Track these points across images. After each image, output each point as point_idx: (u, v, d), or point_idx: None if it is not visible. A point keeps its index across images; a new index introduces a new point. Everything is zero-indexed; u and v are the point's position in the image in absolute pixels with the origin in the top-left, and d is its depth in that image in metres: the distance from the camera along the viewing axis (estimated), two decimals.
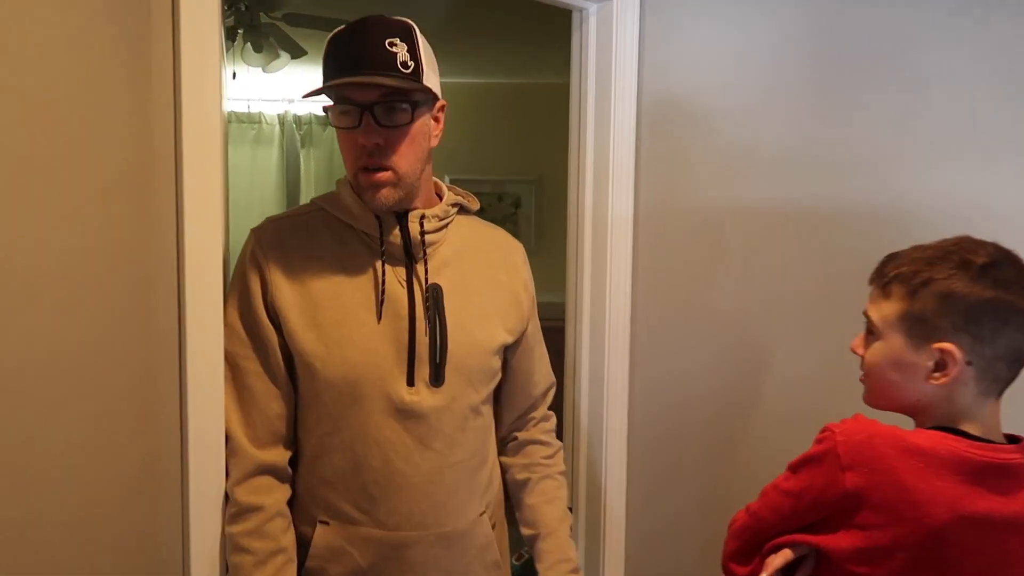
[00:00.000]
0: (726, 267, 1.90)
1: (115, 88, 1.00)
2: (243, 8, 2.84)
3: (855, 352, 1.16)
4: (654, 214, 1.86)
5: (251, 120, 4.98)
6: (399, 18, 1.20)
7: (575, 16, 1.86)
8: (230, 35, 2.99)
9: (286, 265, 1.23)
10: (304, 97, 1.20)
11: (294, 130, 5.06)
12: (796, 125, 1.89)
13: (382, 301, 1.21)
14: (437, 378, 1.23)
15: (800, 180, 1.90)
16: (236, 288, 1.25)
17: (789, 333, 1.93)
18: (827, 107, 1.88)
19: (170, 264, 1.16)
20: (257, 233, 1.26)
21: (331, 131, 5.11)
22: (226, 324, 1.22)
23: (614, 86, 1.79)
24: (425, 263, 1.25)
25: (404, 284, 1.24)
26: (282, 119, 5.02)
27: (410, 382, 1.22)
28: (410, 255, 1.25)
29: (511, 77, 4.92)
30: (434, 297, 1.24)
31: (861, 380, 1.16)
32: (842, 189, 1.90)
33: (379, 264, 1.23)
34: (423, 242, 1.25)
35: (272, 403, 1.23)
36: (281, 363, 1.23)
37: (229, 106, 4.85)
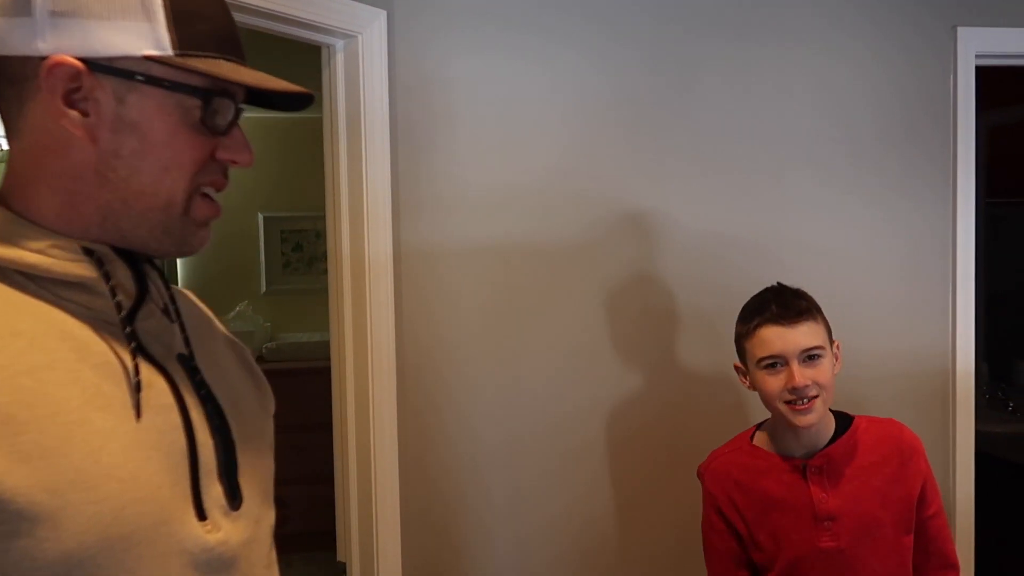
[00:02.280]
0: (487, 303, 1.90)
1: None
2: None
3: (803, 385, 1.33)
4: (415, 252, 1.83)
5: None
6: None
7: (324, 53, 1.81)
8: None
9: None
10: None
11: None
12: (556, 160, 1.92)
13: (138, 386, 0.71)
14: (234, 495, 0.78)
15: (559, 214, 1.93)
16: None
17: (558, 372, 1.94)
18: (590, 143, 1.93)
19: None
20: None
21: None
22: None
23: (364, 122, 1.75)
24: (181, 321, 0.80)
25: (150, 360, 0.75)
26: None
27: (201, 514, 0.74)
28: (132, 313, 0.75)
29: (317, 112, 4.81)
30: (190, 370, 0.79)
31: (806, 407, 1.34)
32: (596, 223, 1.94)
33: (101, 332, 0.71)
34: (167, 286, 0.80)
35: None
36: None
37: None
